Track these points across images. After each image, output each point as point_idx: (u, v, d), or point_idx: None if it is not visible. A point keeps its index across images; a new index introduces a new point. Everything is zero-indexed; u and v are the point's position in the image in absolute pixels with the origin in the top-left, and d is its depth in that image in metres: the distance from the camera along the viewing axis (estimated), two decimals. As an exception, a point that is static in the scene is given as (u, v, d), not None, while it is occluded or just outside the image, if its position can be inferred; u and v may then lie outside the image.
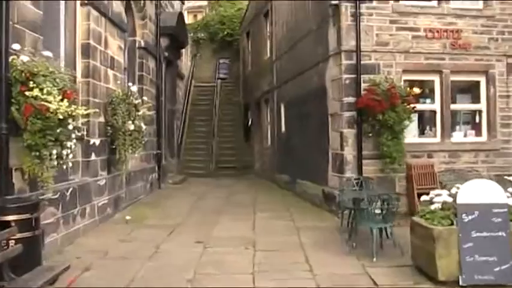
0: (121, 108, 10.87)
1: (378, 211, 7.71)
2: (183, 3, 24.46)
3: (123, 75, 13.26)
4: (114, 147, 11.05)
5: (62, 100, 6.49)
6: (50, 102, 6.29)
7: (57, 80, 6.64)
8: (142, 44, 15.69)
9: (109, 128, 10.99)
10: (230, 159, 24.07)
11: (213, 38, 32.49)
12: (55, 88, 6.48)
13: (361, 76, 10.92)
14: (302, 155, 14.40)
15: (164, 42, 18.46)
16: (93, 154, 10.37)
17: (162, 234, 9.55)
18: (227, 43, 31.97)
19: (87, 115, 10.02)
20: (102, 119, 10.92)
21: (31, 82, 6.29)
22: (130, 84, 11.91)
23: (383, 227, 7.85)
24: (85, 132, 10.03)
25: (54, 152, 6.66)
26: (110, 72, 11.64)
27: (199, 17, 36.66)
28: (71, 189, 8.92)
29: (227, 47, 32.03)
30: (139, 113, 11.20)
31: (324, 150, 12.12)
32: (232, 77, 30.61)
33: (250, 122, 24.71)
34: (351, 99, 10.95)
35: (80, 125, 9.79)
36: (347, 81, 11.00)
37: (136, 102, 11.28)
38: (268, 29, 20.48)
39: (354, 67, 10.96)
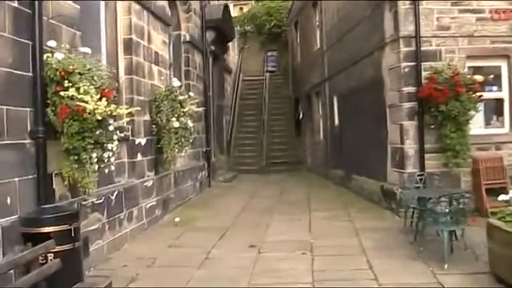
0: (164, 105, 10.43)
1: (447, 211, 7.00)
2: (228, -4, 23.96)
3: (169, 71, 12.87)
4: (160, 146, 10.65)
5: (100, 99, 6.02)
6: (86, 102, 5.83)
7: (95, 77, 6.17)
8: (188, 38, 15.27)
9: (154, 126, 10.60)
10: (281, 155, 23.49)
11: (260, 31, 31.97)
12: (92, 87, 6.01)
13: (421, 64, 10.15)
14: (357, 150, 13.71)
15: (210, 35, 18.03)
16: (139, 154, 9.97)
17: (213, 237, 9.06)
18: (275, 35, 31.39)
19: (131, 114, 9.69)
20: (147, 117, 10.53)
21: (66, 81, 5.83)
22: (174, 79, 11.41)
23: (459, 230, 7.11)
24: (130, 132, 9.65)
25: (94, 155, 6.20)
26: (155, 68, 11.23)
27: (246, 9, 36.10)
28: (116, 192, 8.52)
29: (275, 39, 31.46)
30: (185, 109, 10.72)
31: (382, 144, 11.43)
32: (281, 70, 30.10)
33: (300, 116, 24.04)
34: (411, 89, 10.21)
35: (123, 125, 9.45)
36: (406, 70, 10.25)
37: (181, 98, 10.79)
38: (317, 19, 19.80)
39: (413, 54, 10.19)
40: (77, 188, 6.67)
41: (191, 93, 11.57)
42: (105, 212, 7.98)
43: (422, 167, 10.07)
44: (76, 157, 6.13)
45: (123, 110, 6.63)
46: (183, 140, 10.69)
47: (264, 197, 14.71)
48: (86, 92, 5.94)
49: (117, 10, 9.74)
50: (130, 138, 9.69)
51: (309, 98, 21.86)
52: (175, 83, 11.05)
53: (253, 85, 28.78)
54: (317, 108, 20.40)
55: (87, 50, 6.60)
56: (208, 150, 16.95)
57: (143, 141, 10.23)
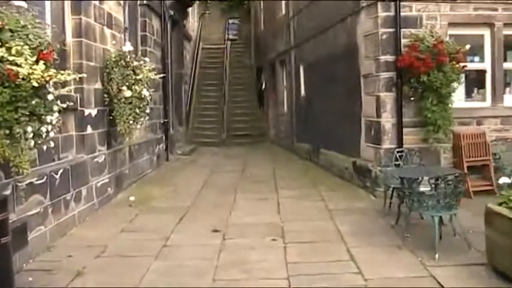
0: (115, 72, 9.41)
1: (438, 194, 6.24)
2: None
3: (123, 35, 11.78)
4: (113, 118, 9.64)
5: (36, 62, 5.02)
6: (19, 66, 4.83)
7: (31, 36, 5.15)
8: (144, 1, 14.14)
9: (106, 96, 9.59)
10: (243, 127, 22.62)
11: (221, -3, 30.81)
12: (27, 47, 4.99)
13: (401, 31, 9.37)
14: (327, 122, 12.93)
15: (169, -1, 16.92)
16: (89, 127, 8.95)
17: (172, 220, 8.16)
18: (237, 2, 30.24)
19: (80, 81, 8.68)
20: (98, 86, 9.49)
21: (-6, 39, 4.82)
22: (127, 43, 10.33)
23: (449, 215, 6.37)
24: (78, 102, 8.63)
25: (30, 129, 5.18)
26: (107, 31, 10.16)
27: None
28: (61, 170, 7.51)
29: (237, 6, 30.42)
30: (139, 76, 9.68)
31: (355, 117, 10.66)
32: (243, 38, 29.13)
33: (263, 86, 23.14)
34: (389, 58, 9.39)
35: (70, 93, 8.42)
36: (384, 37, 9.43)
37: (134, 64, 9.74)
38: (282, -18, 18.84)
39: (392, 19, 9.35)
40: (11, 167, 5.69)
41: (146, 59, 10.49)
42: (48, 193, 6.98)
43: (400, 142, 9.32)
44: (7, 131, 5.10)
45: (64, 75, 5.60)
46: (137, 110, 9.66)
47: (226, 172, 13.85)
48: (19, 53, 4.91)
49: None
50: (79, 108, 8.66)
51: (272, 67, 20.93)
52: (127, 47, 9.96)
53: (214, 54, 27.74)
54: (281, 78, 19.52)
55: (22, 3, 5.54)
56: (166, 122, 15.95)
57: (94, 112, 9.20)
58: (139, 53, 13.69)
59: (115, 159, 10.32)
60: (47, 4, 8.14)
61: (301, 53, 15.90)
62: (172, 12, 17.15)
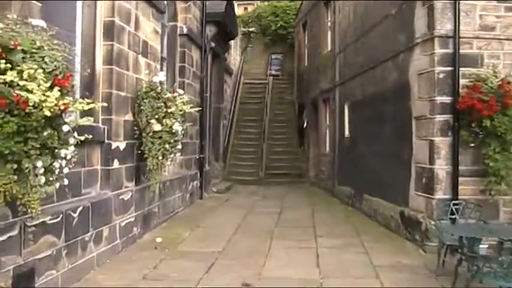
0: (145, 103, 8.88)
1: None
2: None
3: (160, 65, 11.33)
4: (142, 152, 9.10)
5: (51, 89, 4.47)
6: (31, 92, 4.29)
7: (47, 59, 4.61)
8: (185, 30, 13.74)
9: (136, 128, 9.06)
10: (282, 165, 21.86)
11: (264, 32, 30.47)
12: (41, 71, 4.46)
13: (460, 69, 8.62)
14: (371, 166, 12.14)
15: (210, 30, 16.50)
16: (116, 161, 8.42)
17: (200, 268, 7.47)
18: (280, 37, 29.88)
19: (109, 111, 8.18)
20: (129, 117, 8.98)
21: (3, 61, 4.28)
22: (160, 73, 9.80)
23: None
24: (105, 134, 8.11)
25: (40, 164, 4.62)
26: (142, 59, 9.69)
27: (250, 9, 34.62)
28: (80, 208, 6.94)
29: (280, 41, 29.96)
30: (171, 109, 9.10)
31: (404, 162, 9.87)
32: (286, 74, 28.63)
33: (305, 124, 22.46)
34: (446, 99, 8.63)
35: (97, 124, 7.92)
36: (440, 76, 8.68)
37: (166, 96, 9.18)
38: (329, 18, 18.24)
39: (450, 57, 8.62)
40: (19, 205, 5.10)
41: (180, 91, 9.93)
42: (63, 233, 6.39)
43: (455, 193, 8.48)
44: (15, 165, 4.54)
45: (83, 104, 5.03)
46: (167, 146, 9.06)
47: (262, 213, 13.11)
48: (32, 78, 4.39)
49: (98, -14, 8.23)
50: (106, 141, 8.15)
51: (315, 105, 20.26)
52: (159, 77, 9.41)
53: (255, 89, 27.31)
54: (324, 117, 18.81)
55: (41, 22, 5.02)
56: (201, 158, 15.40)
57: (122, 145, 8.68)
58: (177, 84, 13.27)
59: (143, 197, 9.73)
60: (78, 28, 7.73)
61: (346, 90, 15.22)
62: (213, 44, 16.72)
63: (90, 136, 5.74)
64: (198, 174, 15.19)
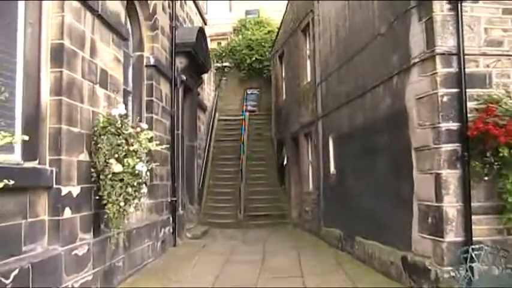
0: (102, 140, 7.68)
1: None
2: (205, 23, 21.40)
3: (123, 97, 10.14)
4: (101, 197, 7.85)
5: None
6: None
7: None
8: (152, 61, 12.63)
9: (93, 170, 7.82)
10: (261, 206, 20.56)
11: (239, 66, 29.41)
12: None
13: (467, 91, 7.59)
14: (364, 205, 10.99)
15: (181, 62, 15.41)
16: (67, 209, 7.16)
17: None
18: (256, 71, 28.86)
19: (57, 151, 6.97)
20: (84, 157, 7.75)
21: None
22: (120, 105, 8.57)
23: None
24: (53, 177, 6.88)
25: None
26: (100, 91, 8.52)
27: (224, 44, 33.73)
28: (16, 270, 5.65)
29: (256, 75, 28.95)
30: (133, 147, 7.89)
31: (404, 200, 8.76)
32: (263, 109, 27.59)
33: (285, 162, 21.32)
34: (453, 125, 7.57)
35: (44, 166, 6.70)
36: (445, 99, 7.63)
37: (127, 132, 7.96)
38: (308, 46, 17.29)
39: (454, 77, 7.60)
40: None
41: (144, 125, 8.70)
42: (-9, 306, 5.13)
43: (469, 234, 7.36)
44: None
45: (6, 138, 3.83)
46: (130, 190, 7.82)
47: (242, 262, 11.83)
48: None
49: (44, 2, 7.09)
50: (54, 186, 6.92)
51: (296, 140, 19.15)
52: (118, 109, 8.21)
53: (231, 125, 26.20)
54: (306, 152, 17.69)
55: None
56: (174, 201, 14.12)
57: (75, 190, 7.43)
58: (144, 120, 12.13)
59: (103, 250, 8.43)
60: (19, 51, 6.58)
61: (330, 123, 14.14)
62: (184, 77, 15.61)
63: (12, 182, 4.49)
64: (171, 219, 13.90)
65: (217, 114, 26.58)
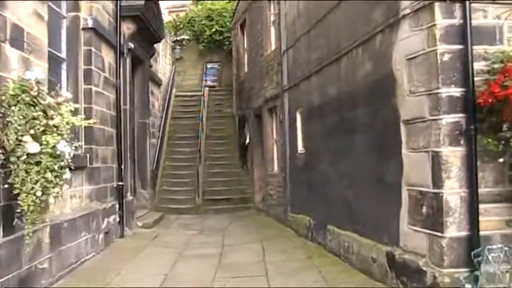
0: (13, 113, 6.02)
1: None
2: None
3: (48, 63, 8.39)
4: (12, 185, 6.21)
5: None
6: None
7: None
8: (90, 23, 10.88)
9: (1, 150, 6.15)
10: (222, 190, 19.05)
11: (198, 38, 27.56)
12: None
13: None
14: (339, 190, 9.55)
15: (129, 28, 13.73)
16: (-41, 203, 5.52)
17: None
18: (216, 43, 27.04)
19: None
20: (-15, 135, 6.09)
21: None
22: (35, 68, 6.87)
23: None
24: None
25: None
26: (11, 51, 6.78)
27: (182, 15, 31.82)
28: None
29: (216, 48, 27.17)
30: (54, 121, 6.25)
31: (389, 184, 7.33)
32: (223, 85, 26.04)
33: (247, 141, 19.76)
34: (456, 91, 6.08)
35: None
36: (445, 58, 6.12)
37: (46, 102, 6.30)
38: (272, 11, 15.68)
39: (458, 31, 6.10)
40: None
41: (67, 94, 7.01)
42: None
43: (475, 227, 5.93)
44: None
45: None
46: (49, 175, 6.21)
47: (197, 257, 10.29)
48: None
49: None
50: None
51: (259, 116, 17.57)
52: (34, 72, 6.54)
53: (189, 102, 24.61)
54: (271, 130, 16.17)
55: None
56: (120, 186, 12.45)
57: (-28, 177, 5.79)
58: (81, 93, 10.50)
59: (18, 251, 6.78)
60: None
61: (298, 95, 12.60)
62: (131, 45, 13.87)
63: None
64: (117, 206, 12.26)
65: (174, 90, 24.88)
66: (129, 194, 13.58)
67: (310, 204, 11.56)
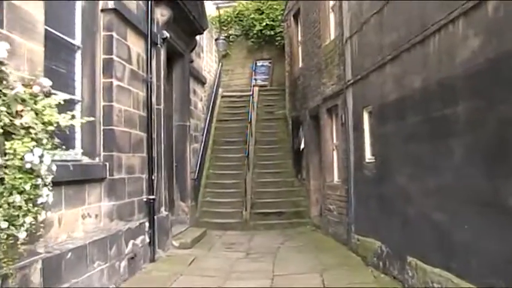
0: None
1: None
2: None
3: (62, 53, 6.60)
4: None
5: None
6: None
7: None
8: (111, 3, 9.10)
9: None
10: (273, 202, 17.02)
11: (247, 33, 25.78)
12: None
13: None
14: (425, 211, 7.41)
15: (163, 15, 11.93)
16: None
17: None
18: (267, 39, 25.20)
19: None
20: None
21: None
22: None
23: None
24: None
25: None
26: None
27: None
28: None
29: (267, 44, 25.39)
30: (24, 119, 4.29)
31: (510, 209, 5.20)
32: (275, 84, 24.31)
33: (302, 146, 17.73)
34: None
35: None
36: None
37: (13, 92, 4.41)
38: (332, -4, 13.69)
39: None
40: None
41: (47, 81, 5.11)
42: None
43: None
44: None
45: None
46: (17, 198, 4.32)
47: (243, 291, 8.40)
48: None
49: None
50: None
51: (316, 118, 15.48)
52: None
53: (237, 103, 22.92)
54: (330, 133, 14.11)
55: None
56: (151, 200, 10.63)
57: None
58: (100, 88, 8.77)
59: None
60: None
61: (365, 91, 10.48)
62: (167, 34, 12.04)
63: None
64: (146, 225, 10.46)
65: (220, 90, 23.22)
66: (163, 208, 11.74)
67: (382, 226, 9.42)
